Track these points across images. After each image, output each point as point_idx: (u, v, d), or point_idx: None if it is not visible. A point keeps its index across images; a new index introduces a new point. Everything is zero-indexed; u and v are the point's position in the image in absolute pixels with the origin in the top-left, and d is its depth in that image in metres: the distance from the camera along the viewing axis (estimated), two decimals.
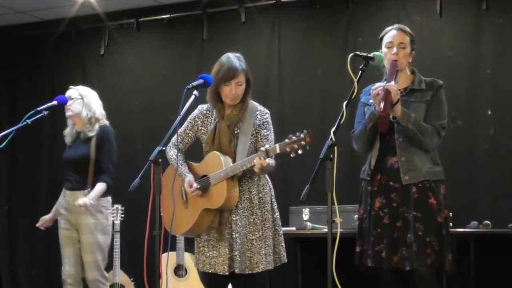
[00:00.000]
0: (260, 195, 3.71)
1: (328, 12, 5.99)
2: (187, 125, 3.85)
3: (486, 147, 5.33)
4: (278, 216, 3.80)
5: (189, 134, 3.84)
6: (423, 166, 3.54)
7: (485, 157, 5.31)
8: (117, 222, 5.45)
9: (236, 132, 3.71)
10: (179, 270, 5.57)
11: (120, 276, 5.57)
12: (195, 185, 3.68)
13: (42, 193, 6.81)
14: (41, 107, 3.91)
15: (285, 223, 5.45)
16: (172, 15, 6.47)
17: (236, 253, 3.62)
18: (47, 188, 6.72)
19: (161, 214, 3.46)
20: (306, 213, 5.36)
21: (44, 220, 4.81)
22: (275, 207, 3.79)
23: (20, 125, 3.76)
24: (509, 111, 5.31)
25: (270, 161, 3.60)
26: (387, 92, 3.41)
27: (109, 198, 4.70)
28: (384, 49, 3.62)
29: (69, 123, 4.79)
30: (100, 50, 6.78)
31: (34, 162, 6.91)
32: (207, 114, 3.83)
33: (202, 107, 3.86)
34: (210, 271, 3.68)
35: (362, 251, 3.65)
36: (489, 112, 5.35)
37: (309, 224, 5.32)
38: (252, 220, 3.66)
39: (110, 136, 4.68)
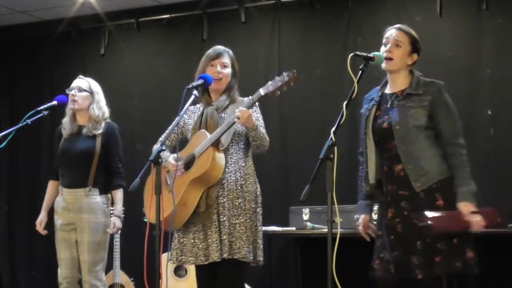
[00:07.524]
0: (243, 181, 3.68)
1: (328, 12, 5.99)
2: (174, 123, 3.80)
3: (486, 147, 5.32)
4: (260, 212, 3.75)
5: (175, 131, 3.88)
6: (433, 168, 3.41)
7: (485, 157, 5.31)
8: None
9: (222, 117, 3.73)
10: (179, 270, 5.57)
11: (120, 276, 5.58)
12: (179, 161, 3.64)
13: (42, 193, 6.73)
14: (41, 107, 3.91)
15: (285, 223, 5.47)
16: (172, 15, 6.48)
17: (225, 237, 3.59)
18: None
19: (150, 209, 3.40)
20: (306, 213, 5.35)
21: (39, 224, 4.57)
22: (260, 201, 3.75)
23: (20, 125, 3.77)
24: (509, 111, 5.31)
25: (255, 115, 3.58)
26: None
27: (110, 196, 4.52)
28: (382, 48, 3.54)
29: (68, 113, 4.51)
30: (100, 50, 6.78)
31: (34, 162, 6.91)
32: (193, 110, 3.89)
33: (190, 106, 3.84)
34: (205, 263, 3.61)
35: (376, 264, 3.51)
36: (489, 112, 5.35)
37: (309, 224, 5.32)
38: (237, 203, 3.64)
39: (117, 133, 4.55)
